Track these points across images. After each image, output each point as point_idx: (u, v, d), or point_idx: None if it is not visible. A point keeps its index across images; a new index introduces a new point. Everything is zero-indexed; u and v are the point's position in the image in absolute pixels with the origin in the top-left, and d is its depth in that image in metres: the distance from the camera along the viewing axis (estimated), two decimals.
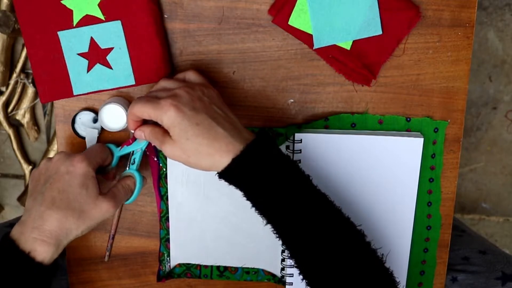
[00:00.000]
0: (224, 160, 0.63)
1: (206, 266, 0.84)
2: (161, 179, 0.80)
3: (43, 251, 0.63)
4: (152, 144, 0.77)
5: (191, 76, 0.70)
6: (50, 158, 0.70)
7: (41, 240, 0.63)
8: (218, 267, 0.84)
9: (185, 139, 0.63)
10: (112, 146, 0.75)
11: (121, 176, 0.73)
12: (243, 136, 0.65)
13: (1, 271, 0.63)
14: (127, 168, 0.73)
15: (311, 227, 0.64)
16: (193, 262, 0.84)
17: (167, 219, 0.82)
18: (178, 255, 0.84)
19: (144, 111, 0.64)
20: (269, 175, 0.64)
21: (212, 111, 0.65)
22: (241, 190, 0.66)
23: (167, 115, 0.63)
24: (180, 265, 0.84)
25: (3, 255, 0.64)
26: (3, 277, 0.62)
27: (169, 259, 0.84)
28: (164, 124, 0.64)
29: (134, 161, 0.73)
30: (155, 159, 0.79)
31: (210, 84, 0.70)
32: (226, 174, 0.65)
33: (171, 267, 0.84)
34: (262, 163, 0.63)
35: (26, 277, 0.63)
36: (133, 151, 0.74)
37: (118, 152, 0.74)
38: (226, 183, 0.66)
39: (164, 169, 0.79)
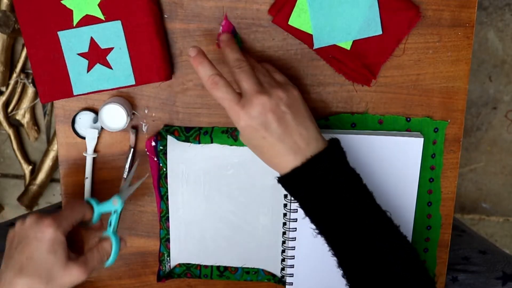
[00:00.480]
0: (287, 165, 0.64)
1: (206, 266, 0.84)
2: (161, 179, 0.80)
3: None
4: (153, 144, 0.77)
5: (278, 77, 0.70)
6: (23, 220, 0.69)
7: None
8: (218, 267, 0.84)
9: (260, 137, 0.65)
10: (93, 201, 0.74)
11: (101, 238, 0.73)
12: (311, 146, 0.65)
13: None
14: (105, 230, 0.74)
15: (368, 246, 0.64)
16: (193, 262, 0.84)
17: (167, 219, 0.82)
18: (178, 255, 0.84)
19: (245, 85, 0.65)
20: (329, 191, 0.64)
21: (289, 121, 0.65)
22: (296, 199, 0.66)
23: (257, 109, 0.63)
24: (180, 265, 0.84)
25: None
26: None
27: (169, 259, 0.84)
28: (246, 106, 0.64)
29: (110, 223, 0.73)
30: (155, 159, 0.79)
31: (292, 84, 0.70)
32: (284, 181, 0.65)
33: (171, 267, 0.84)
34: (322, 178, 0.63)
35: None
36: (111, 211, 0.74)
37: (98, 208, 0.74)
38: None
39: (164, 169, 0.79)
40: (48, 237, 0.66)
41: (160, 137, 0.78)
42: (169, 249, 0.83)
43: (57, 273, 0.65)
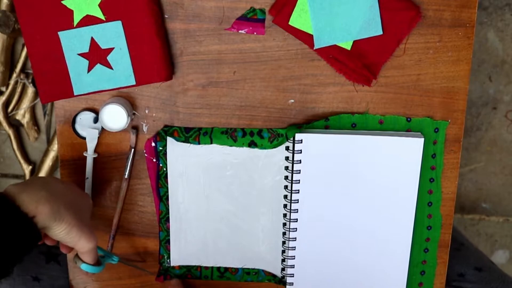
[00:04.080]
0: None
1: (206, 268, 0.84)
2: (160, 179, 0.80)
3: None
4: (152, 144, 0.77)
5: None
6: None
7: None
8: (218, 268, 0.84)
9: None
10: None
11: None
12: None
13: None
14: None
15: None
16: (194, 264, 0.84)
17: (167, 220, 0.82)
18: (178, 257, 0.84)
19: None
20: None
21: None
22: None
23: None
24: (180, 267, 0.84)
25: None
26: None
27: (169, 261, 0.84)
28: None
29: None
30: (154, 160, 0.79)
31: None
32: None
33: (172, 269, 0.84)
34: None
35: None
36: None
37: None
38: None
39: (165, 169, 0.79)
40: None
41: (159, 137, 0.78)
42: (169, 251, 0.83)
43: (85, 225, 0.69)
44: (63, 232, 0.65)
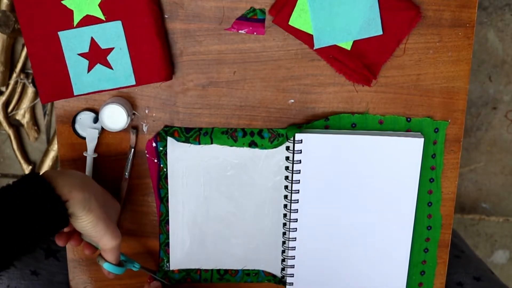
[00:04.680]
0: None
1: (206, 270, 0.84)
2: (161, 180, 0.80)
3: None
4: (153, 145, 0.77)
5: None
6: None
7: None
8: (218, 270, 0.84)
9: None
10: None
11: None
12: None
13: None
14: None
15: None
16: (193, 267, 0.84)
17: (167, 222, 0.81)
18: (177, 260, 0.83)
19: None
20: None
21: None
22: None
23: None
24: (179, 270, 0.84)
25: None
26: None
27: (169, 264, 0.83)
28: None
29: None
30: (155, 160, 0.79)
31: None
32: None
33: (171, 273, 0.84)
34: None
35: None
36: None
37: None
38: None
39: (165, 170, 0.79)
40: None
41: (160, 138, 0.78)
42: (169, 254, 0.83)
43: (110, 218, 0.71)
44: (90, 224, 0.67)
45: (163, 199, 0.80)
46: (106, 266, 0.72)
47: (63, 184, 0.64)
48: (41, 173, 0.65)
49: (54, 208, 0.63)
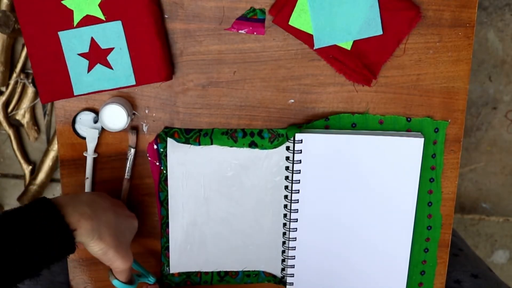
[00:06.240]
0: None
1: (206, 273, 0.84)
2: (160, 183, 0.80)
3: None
4: (155, 147, 0.77)
5: None
6: None
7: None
8: (218, 272, 0.84)
9: None
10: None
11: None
12: None
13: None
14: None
15: None
16: (193, 270, 0.84)
17: (167, 225, 0.81)
18: (177, 264, 0.83)
19: None
20: None
21: None
22: None
23: None
24: (179, 274, 0.84)
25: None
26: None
27: (169, 268, 0.83)
28: None
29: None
30: (157, 163, 0.79)
31: None
32: None
33: (171, 276, 0.84)
34: None
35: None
36: None
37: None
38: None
39: (165, 172, 0.79)
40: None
41: (160, 139, 0.77)
42: (168, 258, 0.83)
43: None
44: (100, 251, 0.68)
45: (163, 202, 0.80)
46: (115, 283, 0.73)
47: (73, 213, 0.64)
48: (51, 199, 0.65)
49: (62, 237, 0.63)
